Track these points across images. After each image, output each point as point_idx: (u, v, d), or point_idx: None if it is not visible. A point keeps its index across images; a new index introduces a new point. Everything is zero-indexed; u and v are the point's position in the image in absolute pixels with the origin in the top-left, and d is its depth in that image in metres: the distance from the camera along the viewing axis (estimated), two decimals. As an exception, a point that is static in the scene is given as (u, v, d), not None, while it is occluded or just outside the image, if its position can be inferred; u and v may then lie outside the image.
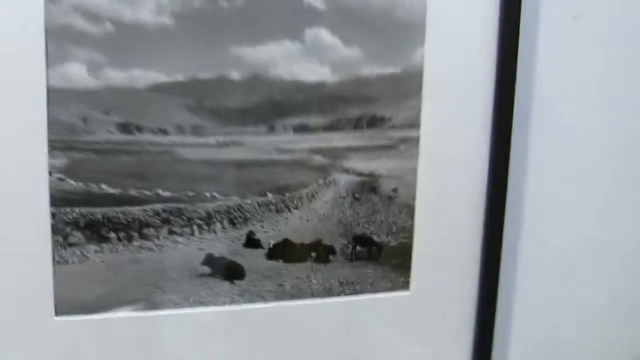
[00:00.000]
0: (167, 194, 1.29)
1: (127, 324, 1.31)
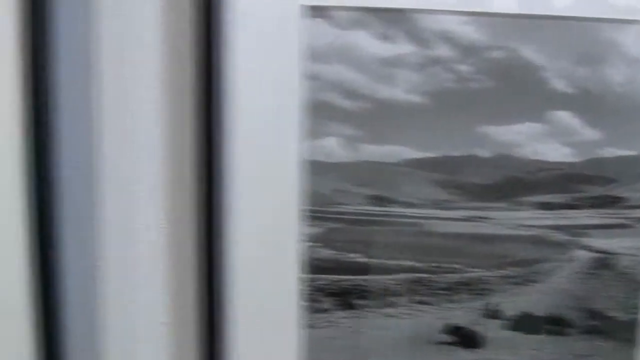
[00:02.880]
0: (413, 264, 1.33)
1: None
